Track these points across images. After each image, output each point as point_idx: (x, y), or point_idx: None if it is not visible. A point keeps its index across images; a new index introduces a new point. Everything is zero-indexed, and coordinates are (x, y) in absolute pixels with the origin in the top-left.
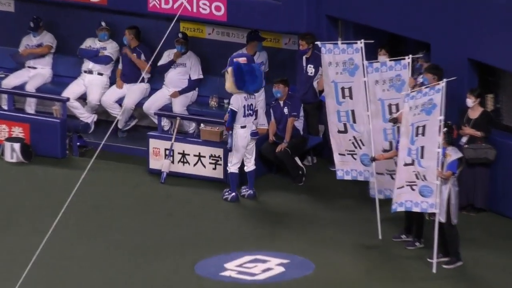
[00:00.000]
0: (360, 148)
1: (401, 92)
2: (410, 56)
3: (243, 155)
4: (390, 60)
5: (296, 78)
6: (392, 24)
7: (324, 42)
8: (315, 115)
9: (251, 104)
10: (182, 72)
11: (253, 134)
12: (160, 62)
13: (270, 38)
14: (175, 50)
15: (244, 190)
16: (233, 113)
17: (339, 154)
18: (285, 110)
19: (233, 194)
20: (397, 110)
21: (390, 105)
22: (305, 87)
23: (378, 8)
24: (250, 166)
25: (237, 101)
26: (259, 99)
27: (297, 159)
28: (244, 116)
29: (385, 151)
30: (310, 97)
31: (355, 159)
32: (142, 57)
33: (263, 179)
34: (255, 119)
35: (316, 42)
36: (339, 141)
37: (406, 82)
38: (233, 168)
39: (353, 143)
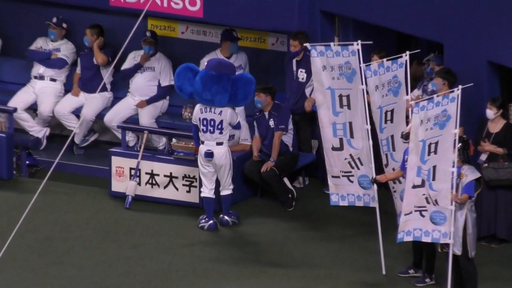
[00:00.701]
0: (358, 168)
1: (397, 96)
2: (408, 52)
3: (211, 177)
4: (388, 60)
5: (286, 85)
6: (400, 21)
7: (313, 44)
8: (307, 128)
9: (212, 120)
10: (150, 78)
11: (205, 154)
12: (124, 66)
13: (253, 37)
14: (142, 52)
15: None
16: (193, 126)
17: (333, 176)
18: (271, 123)
19: (211, 222)
20: (392, 117)
21: (386, 112)
22: (296, 95)
23: (383, 2)
24: (223, 190)
25: (195, 111)
26: (225, 115)
27: (286, 180)
28: (203, 131)
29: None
30: (301, 106)
31: (351, 181)
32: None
33: (246, 204)
34: (222, 136)
35: (305, 44)
36: (333, 161)
37: (403, 83)
38: (204, 191)
39: (349, 162)
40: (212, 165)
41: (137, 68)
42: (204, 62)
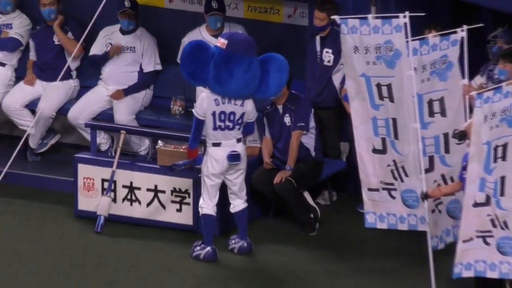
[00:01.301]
0: (402, 180)
1: (445, 81)
2: (465, 27)
3: (218, 186)
4: (434, 36)
5: (306, 70)
6: None
7: (344, 17)
8: (335, 127)
9: (232, 113)
10: (129, 61)
11: (232, 157)
12: (94, 49)
13: (264, 7)
14: (117, 29)
15: (233, 242)
16: (197, 122)
17: (370, 189)
18: (286, 119)
19: (208, 249)
20: (442, 108)
21: (431, 102)
22: (320, 83)
23: None
24: (238, 204)
25: (202, 103)
26: (247, 106)
27: (306, 195)
28: (215, 128)
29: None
30: (327, 98)
31: (393, 197)
32: (71, 37)
33: (255, 226)
34: (243, 135)
35: (332, 17)
36: (372, 168)
37: (455, 65)
38: (206, 207)
39: (392, 171)
40: (226, 172)
41: (106, 57)
42: (184, 42)
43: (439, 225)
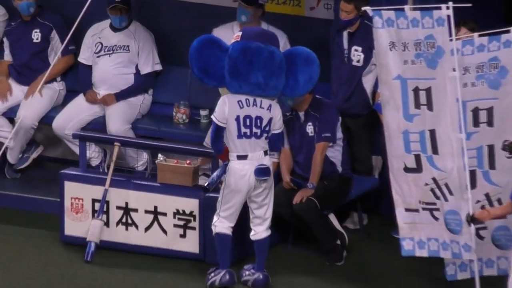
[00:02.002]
0: (446, 199)
1: (497, 89)
2: None
3: (239, 207)
4: (480, 35)
5: (332, 71)
6: None
7: (378, 8)
8: (366, 137)
9: (258, 118)
10: (124, 62)
11: (260, 172)
12: (83, 54)
13: None
14: (106, 25)
15: (247, 273)
16: (216, 129)
17: (407, 210)
18: (309, 129)
19: (224, 272)
20: (489, 118)
21: (476, 110)
22: (347, 86)
23: None
24: (260, 231)
25: (223, 107)
26: (275, 111)
27: (332, 218)
28: (240, 136)
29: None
30: (356, 103)
31: (436, 218)
32: (55, 37)
33: (272, 254)
34: (269, 146)
35: (363, 8)
36: (407, 187)
37: (510, 71)
38: (220, 225)
39: (432, 189)
40: (254, 189)
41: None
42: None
43: (478, 254)
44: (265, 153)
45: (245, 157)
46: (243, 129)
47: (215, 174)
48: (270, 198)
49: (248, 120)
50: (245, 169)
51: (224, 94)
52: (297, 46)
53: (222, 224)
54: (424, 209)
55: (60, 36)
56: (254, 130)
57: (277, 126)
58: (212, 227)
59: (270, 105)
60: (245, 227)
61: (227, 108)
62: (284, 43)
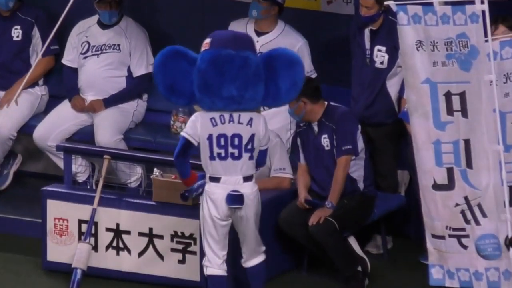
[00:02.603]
0: (478, 223)
1: None
2: None
3: (224, 236)
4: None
5: (352, 74)
6: None
7: (402, 3)
8: (391, 149)
9: (235, 136)
10: (114, 63)
11: (232, 199)
12: (67, 55)
13: None
14: (94, 22)
15: None
16: (183, 143)
17: (434, 236)
18: (325, 141)
19: None
20: None
21: None
22: (370, 91)
23: None
24: (251, 259)
25: (195, 123)
26: (258, 125)
27: (353, 241)
28: (212, 158)
29: None
30: (379, 111)
31: (465, 246)
32: (36, 34)
33: (284, 282)
34: (252, 164)
35: (387, 3)
36: (435, 209)
37: None
38: (211, 267)
39: (463, 211)
40: (232, 218)
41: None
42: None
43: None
44: (247, 178)
45: (217, 179)
46: (216, 150)
47: (196, 184)
48: (255, 226)
49: (222, 140)
50: (216, 193)
51: (198, 111)
52: (277, 48)
53: (213, 262)
54: (451, 236)
55: (42, 34)
56: (231, 150)
57: (264, 142)
58: (204, 268)
59: (251, 119)
60: (240, 256)
61: (199, 125)
62: (299, 49)
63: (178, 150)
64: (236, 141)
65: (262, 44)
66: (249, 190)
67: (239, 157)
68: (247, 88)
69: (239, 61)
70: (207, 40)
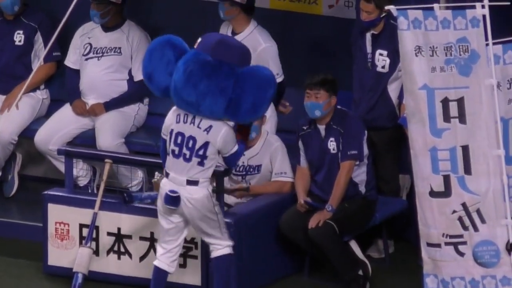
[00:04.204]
0: (476, 229)
1: None
2: None
3: (176, 235)
4: None
5: (354, 78)
6: None
7: (403, 7)
8: (392, 153)
9: (191, 138)
10: (114, 66)
11: (167, 198)
12: (70, 56)
13: None
14: (96, 26)
15: None
16: (161, 143)
17: (429, 244)
18: (331, 145)
19: None
20: None
21: None
22: (371, 95)
23: None
24: (214, 250)
25: (167, 119)
26: (215, 134)
27: (354, 245)
28: (168, 153)
29: None
30: (381, 115)
31: (462, 254)
32: (39, 40)
33: (286, 286)
34: (201, 171)
35: (387, 7)
36: (431, 216)
37: None
38: (160, 258)
39: (460, 218)
40: (178, 216)
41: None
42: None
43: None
44: (191, 182)
45: (167, 175)
46: (172, 146)
47: (148, 193)
48: (209, 223)
49: (179, 138)
50: (163, 189)
51: None
52: (261, 66)
53: (158, 253)
54: (447, 243)
55: (44, 40)
56: (184, 150)
57: (227, 149)
58: (154, 261)
59: (210, 127)
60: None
61: (168, 119)
62: (259, 52)
63: (160, 146)
64: (190, 143)
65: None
66: (189, 194)
67: (189, 159)
68: (205, 97)
69: (208, 69)
70: (198, 40)
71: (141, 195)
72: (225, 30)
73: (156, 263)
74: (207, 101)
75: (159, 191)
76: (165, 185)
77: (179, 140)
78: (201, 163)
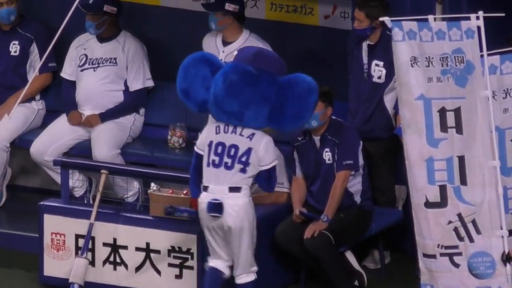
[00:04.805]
0: (472, 239)
1: None
2: None
3: (218, 244)
4: None
5: (349, 88)
6: None
7: (397, 19)
8: (388, 164)
9: (233, 147)
10: (110, 76)
11: (210, 206)
12: (66, 68)
13: (293, 5)
14: (93, 38)
15: None
16: (194, 158)
17: (425, 255)
18: (326, 155)
19: None
20: None
21: None
22: (367, 105)
23: None
24: (241, 275)
25: (203, 132)
26: (258, 141)
27: (349, 255)
28: (208, 164)
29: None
30: (377, 125)
31: (457, 265)
32: (35, 51)
33: None
34: (242, 178)
35: (381, 19)
36: (427, 227)
37: None
38: (215, 262)
39: (456, 229)
40: (219, 229)
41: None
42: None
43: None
44: (234, 189)
45: (206, 188)
46: (212, 156)
47: (187, 208)
48: (243, 241)
49: (220, 148)
50: (203, 202)
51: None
52: (299, 73)
53: (214, 260)
54: (442, 254)
55: (40, 51)
56: (225, 159)
57: (265, 161)
58: (207, 264)
59: (252, 134)
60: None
61: (205, 133)
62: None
63: (192, 163)
64: (232, 151)
65: (227, 53)
66: (233, 201)
67: (231, 167)
68: (249, 106)
69: (249, 78)
70: (235, 53)
71: (180, 208)
72: (213, 39)
73: (215, 264)
74: (251, 109)
75: (196, 207)
76: (205, 198)
77: (219, 150)
78: (243, 170)
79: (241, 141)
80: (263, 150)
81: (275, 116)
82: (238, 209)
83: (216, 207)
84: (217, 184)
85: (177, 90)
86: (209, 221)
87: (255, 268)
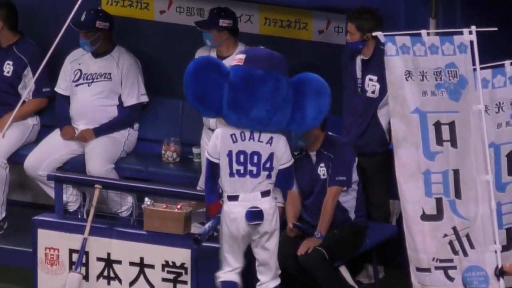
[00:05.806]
0: (466, 253)
1: None
2: None
3: (240, 253)
4: None
5: (344, 103)
6: None
7: (390, 33)
8: (382, 179)
9: (255, 154)
10: (105, 91)
11: (251, 215)
12: (61, 83)
13: (287, 20)
14: (88, 54)
15: None
16: (209, 166)
17: (418, 269)
18: (321, 171)
19: None
20: None
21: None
22: (361, 120)
23: None
24: (266, 281)
25: (215, 140)
26: (277, 144)
27: (344, 270)
28: (231, 174)
29: None
30: (371, 140)
31: (451, 278)
32: (29, 75)
33: None
34: (269, 183)
35: (374, 34)
36: (421, 240)
37: None
38: (225, 275)
39: (451, 242)
40: (251, 236)
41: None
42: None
43: None
44: (264, 194)
45: (235, 198)
46: (235, 167)
47: (207, 224)
48: (274, 243)
49: (242, 156)
50: (235, 212)
51: (220, 124)
52: (308, 72)
53: (227, 270)
54: (437, 268)
55: (33, 67)
56: (250, 167)
57: (284, 159)
58: (216, 280)
59: (271, 138)
60: (252, 280)
61: (219, 142)
62: None
63: (206, 172)
64: (255, 159)
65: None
66: (267, 205)
67: (257, 175)
68: (276, 111)
69: (272, 84)
70: (241, 56)
71: (205, 230)
72: (207, 54)
73: (226, 278)
74: (278, 113)
75: (215, 216)
76: (237, 207)
77: (242, 159)
78: (269, 176)
79: (262, 147)
80: (282, 150)
81: (297, 116)
82: (272, 212)
83: (257, 215)
84: (247, 192)
85: (188, 98)
86: (242, 229)
87: (279, 271)
